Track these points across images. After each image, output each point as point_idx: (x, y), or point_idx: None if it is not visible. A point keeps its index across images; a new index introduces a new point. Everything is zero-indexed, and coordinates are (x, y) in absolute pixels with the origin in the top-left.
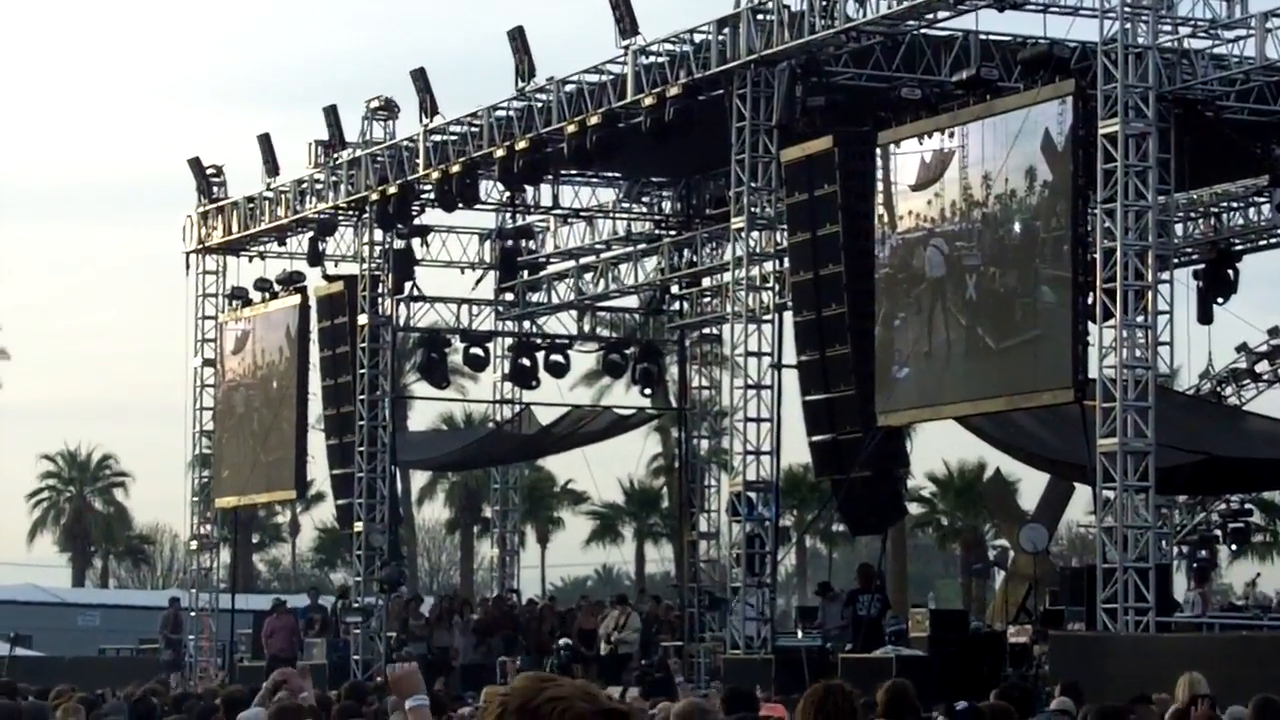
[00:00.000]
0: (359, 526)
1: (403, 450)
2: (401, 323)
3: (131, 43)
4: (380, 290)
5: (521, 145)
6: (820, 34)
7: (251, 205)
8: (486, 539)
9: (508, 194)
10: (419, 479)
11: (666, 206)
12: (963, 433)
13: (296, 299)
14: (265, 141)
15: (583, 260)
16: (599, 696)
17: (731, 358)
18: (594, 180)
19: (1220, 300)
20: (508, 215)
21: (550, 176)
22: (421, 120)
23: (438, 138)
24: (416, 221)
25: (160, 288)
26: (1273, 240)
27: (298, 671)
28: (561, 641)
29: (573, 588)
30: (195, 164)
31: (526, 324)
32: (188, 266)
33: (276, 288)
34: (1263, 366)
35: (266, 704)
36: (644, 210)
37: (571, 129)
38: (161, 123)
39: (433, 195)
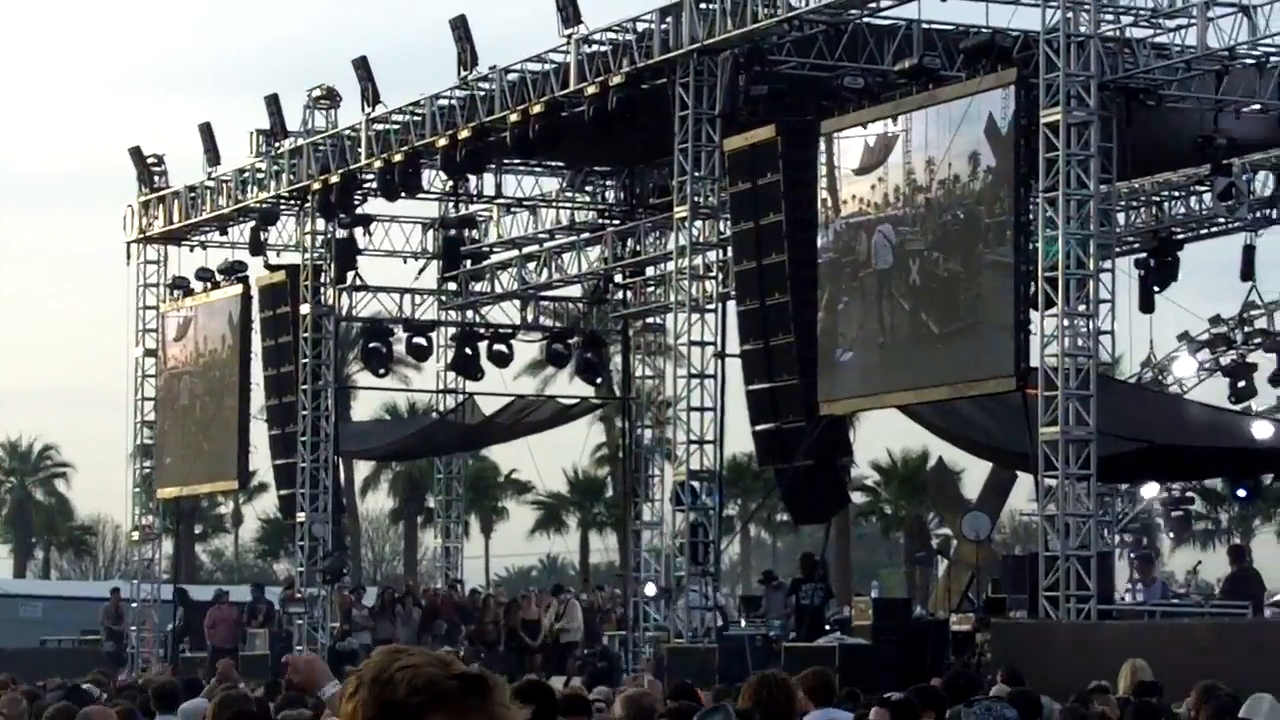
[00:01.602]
0: (302, 517)
1: (346, 440)
2: (344, 312)
3: (72, 32)
4: (322, 280)
5: (464, 134)
6: (763, 23)
7: (193, 194)
8: (430, 529)
9: (450, 183)
10: (362, 469)
11: (610, 196)
12: (906, 421)
13: (238, 288)
14: (206, 131)
15: (526, 249)
16: (453, 664)
17: (675, 347)
18: (537, 169)
19: (1159, 289)
20: (450, 204)
21: (493, 166)
22: (364, 109)
23: (380, 127)
24: (359, 211)
25: (101, 277)
26: (1214, 229)
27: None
28: None
29: (517, 578)
30: (136, 153)
31: (470, 313)
32: (129, 256)
33: (218, 277)
34: (1203, 355)
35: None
36: (587, 199)
37: (514, 118)
38: (102, 112)
39: (375, 184)
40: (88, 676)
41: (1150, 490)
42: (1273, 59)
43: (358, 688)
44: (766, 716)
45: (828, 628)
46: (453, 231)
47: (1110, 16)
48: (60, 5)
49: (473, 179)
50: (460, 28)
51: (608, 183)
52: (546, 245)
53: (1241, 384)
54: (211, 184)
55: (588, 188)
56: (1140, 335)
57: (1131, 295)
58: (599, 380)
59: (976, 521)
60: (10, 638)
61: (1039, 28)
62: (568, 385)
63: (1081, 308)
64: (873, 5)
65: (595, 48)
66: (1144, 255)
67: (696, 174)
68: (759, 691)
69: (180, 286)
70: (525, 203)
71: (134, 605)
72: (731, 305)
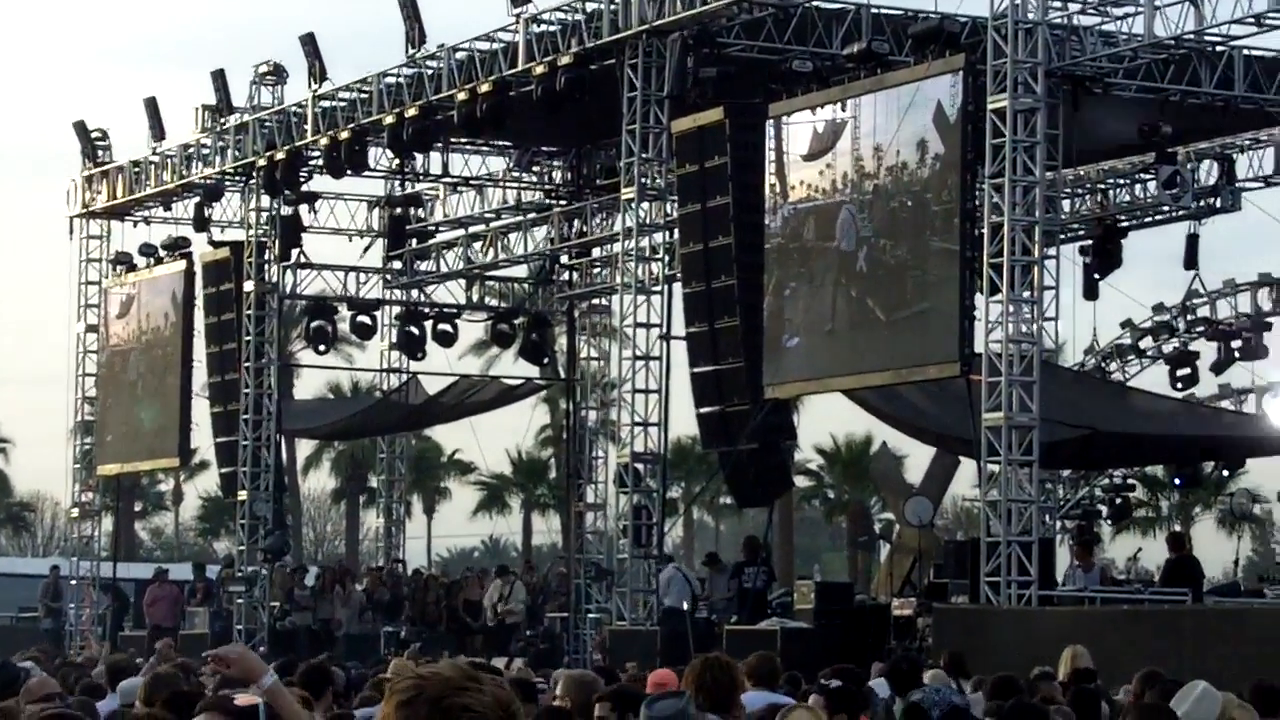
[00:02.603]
0: (243, 495)
1: (288, 418)
2: (288, 290)
3: (16, 4)
4: (267, 257)
5: (411, 112)
6: (712, 5)
7: (137, 170)
8: (372, 509)
9: (397, 161)
10: (304, 447)
11: (557, 176)
12: (850, 405)
13: (182, 265)
14: (151, 105)
15: (472, 229)
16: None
17: (620, 329)
18: (484, 149)
19: (1101, 276)
20: (396, 183)
21: (440, 144)
22: (310, 86)
23: (327, 104)
24: (304, 188)
25: (43, 252)
26: (1159, 217)
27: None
28: None
29: (459, 558)
30: (80, 127)
31: (415, 293)
32: (71, 231)
33: (162, 253)
34: (1147, 342)
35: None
36: (534, 180)
37: (462, 97)
38: (46, 86)
39: (321, 162)
40: (27, 653)
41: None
42: (1219, 48)
43: (412, 700)
44: (709, 699)
45: (770, 611)
46: (398, 210)
47: (1058, 4)
48: None
49: (419, 157)
50: (408, 6)
51: (555, 163)
52: (493, 225)
53: (1184, 371)
54: (156, 159)
55: (535, 168)
56: (1084, 322)
57: (1075, 282)
58: (544, 361)
59: (919, 506)
60: None
61: (987, 14)
62: (512, 366)
63: (1026, 294)
64: None
65: (544, 27)
66: (1088, 243)
67: (644, 155)
68: (702, 674)
69: (123, 262)
70: (472, 182)
71: (73, 583)
72: (678, 287)
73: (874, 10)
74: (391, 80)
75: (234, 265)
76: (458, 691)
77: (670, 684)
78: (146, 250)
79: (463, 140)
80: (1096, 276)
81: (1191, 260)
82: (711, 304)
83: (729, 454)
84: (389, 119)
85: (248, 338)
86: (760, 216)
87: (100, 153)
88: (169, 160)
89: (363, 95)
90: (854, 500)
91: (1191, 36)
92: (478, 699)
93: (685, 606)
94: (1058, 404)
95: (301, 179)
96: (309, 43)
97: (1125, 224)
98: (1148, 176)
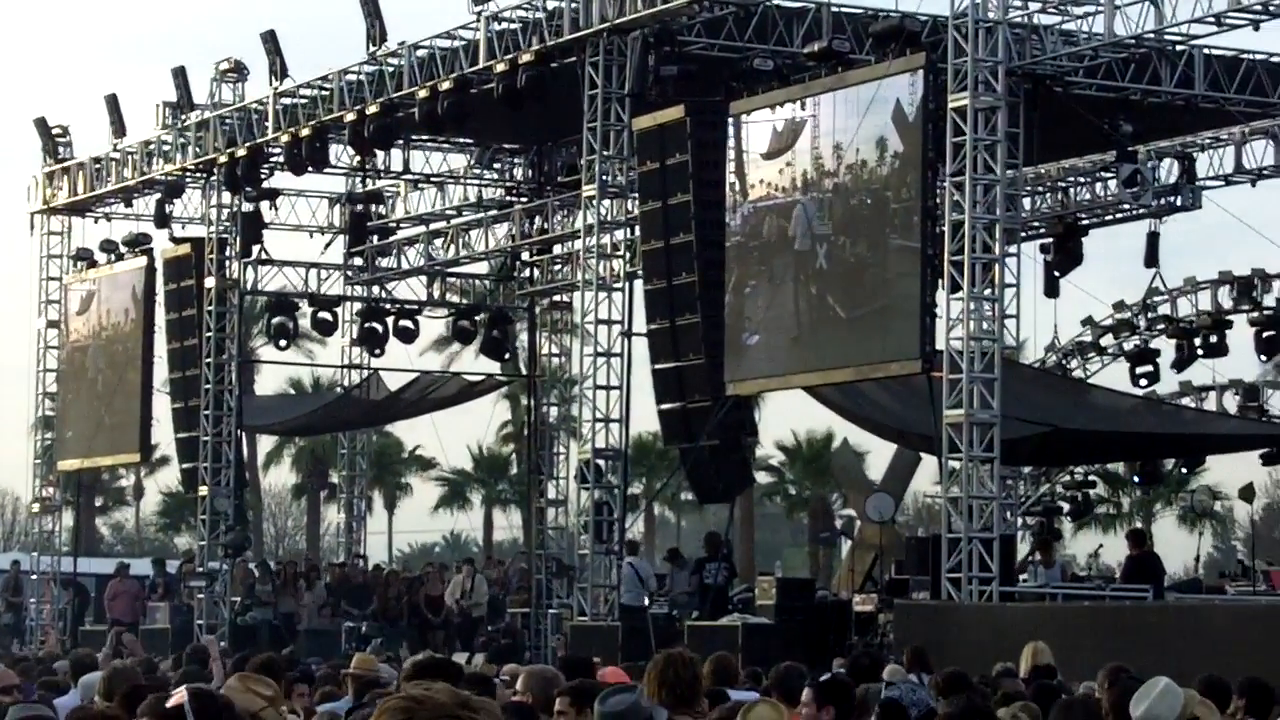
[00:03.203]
0: (204, 491)
1: (249, 414)
2: (249, 286)
3: None
4: (228, 253)
5: (372, 109)
6: (673, 3)
7: (98, 166)
8: (333, 504)
9: (358, 158)
10: (265, 443)
11: (518, 173)
12: (811, 402)
13: (143, 261)
14: (112, 102)
15: (433, 226)
16: None
17: (581, 325)
18: (445, 146)
19: (1062, 274)
20: (358, 179)
21: (401, 141)
22: (271, 83)
23: (288, 101)
24: (265, 184)
25: (3, 248)
26: (1119, 215)
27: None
28: None
29: (420, 554)
30: (41, 124)
31: (376, 289)
32: (32, 227)
33: (123, 249)
34: (1108, 340)
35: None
36: (495, 177)
37: (423, 94)
38: (7, 82)
39: (282, 158)
40: None
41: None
42: (1179, 47)
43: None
44: (672, 695)
45: (731, 607)
46: (359, 207)
47: (1019, 3)
48: None
49: (380, 154)
50: (370, 3)
51: (516, 160)
52: (454, 222)
53: (1145, 369)
54: (117, 156)
55: (496, 165)
56: (1045, 320)
57: (1036, 280)
58: (505, 357)
59: (880, 503)
60: None
61: (948, 13)
62: (473, 362)
63: (987, 292)
64: None
65: (505, 25)
66: (1049, 240)
67: (605, 153)
68: (665, 670)
69: (84, 258)
70: (433, 179)
71: (34, 578)
72: (639, 284)
73: (835, 9)
74: (353, 77)
75: (195, 261)
76: (450, 719)
77: (620, 680)
78: (107, 246)
79: (424, 137)
80: (1057, 274)
81: (1152, 258)
82: (672, 301)
83: (690, 450)
84: (350, 116)
85: (209, 334)
86: (721, 214)
87: (61, 149)
88: (130, 157)
89: (324, 92)
90: (815, 496)
91: (1152, 35)
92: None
93: (645, 602)
94: (1019, 401)
95: (263, 175)
96: (270, 40)
97: (1086, 222)
98: (1108, 175)
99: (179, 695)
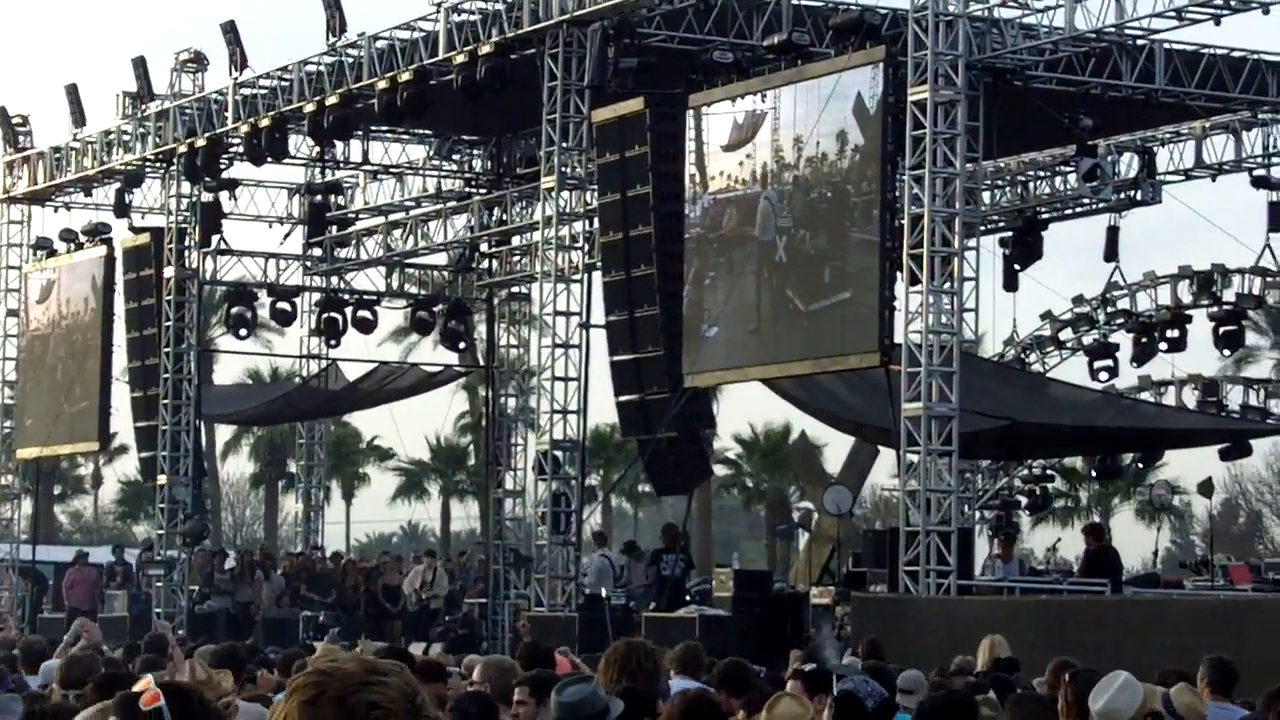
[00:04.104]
0: (162, 479)
1: (208, 404)
2: (208, 276)
3: None
4: (187, 243)
5: (332, 100)
6: None
7: (58, 155)
8: (291, 494)
9: (317, 149)
10: (224, 433)
11: (477, 165)
12: (769, 395)
13: (102, 250)
14: (73, 92)
15: (392, 217)
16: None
17: (540, 317)
18: (404, 137)
19: (1022, 268)
20: (317, 170)
21: (360, 132)
22: (231, 73)
23: (247, 91)
24: (225, 175)
25: None
26: (1078, 209)
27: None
28: None
29: (377, 544)
30: (1, 113)
31: (334, 279)
32: None
33: (82, 239)
34: (1067, 334)
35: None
36: (454, 168)
37: (382, 85)
38: None
39: (241, 149)
40: None
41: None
42: (1140, 42)
43: (314, 698)
44: (632, 683)
45: (688, 598)
46: (319, 197)
47: None
48: None
49: (340, 145)
50: None
51: (475, 152)
52: (413, 213)
53: (1104, 363)
54: (77, 145)
55: (455, 156)
56: (1004, 313)
57: (995, 274)
58: (463, 348)
59: (838, 496)
60: None
61: (908, 6)
62: (432, 353)
63: (946, 285)
64: None
65: (464, 17)
66: (1009, 234)
67: (564, 145)
68: (626, 658)
69: (44, 247)
70: (392, 170)
71: None
72: (597, 276)
73: (794, 2)
74: (312, 68)
75: (154, 251)
76: (362, 687)
77: (564, 669)
78: (67, 236)
79: (383, 128)
80: (1017, 268)
81: (1112, 252)
82: (631, 293)
83: (648, 442)
84: (310, 107)
85: (168, 323)
86: (680, 206)
87: (21, 138)
88: (90, 146)
89: (283, 83)
90: (772, 489)
91: (1112, 30)
92: (384, 693)
93: (604, 594)
94: (977, 394)
95: (222, 166)
96: (230, 30)
97: (1045, 216)
98: (1068, 169)
99: (150, 691)
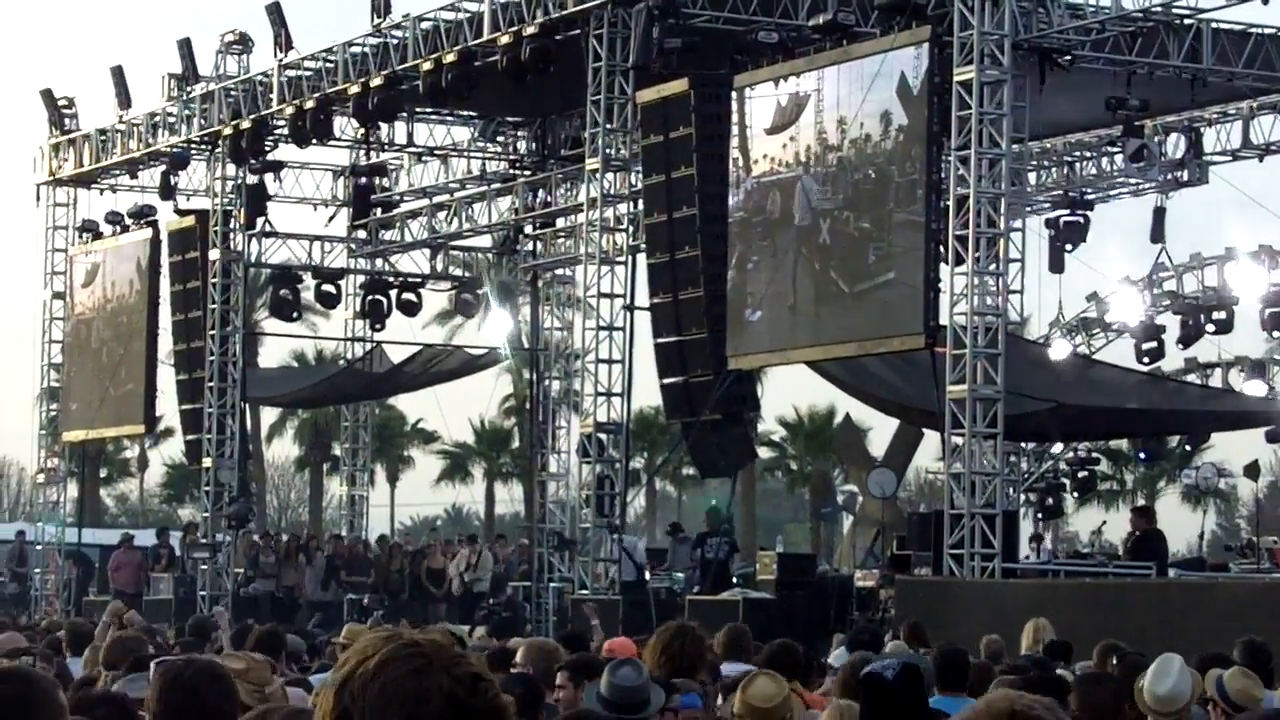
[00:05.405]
0: (208, 462)
1: (253, 386)
2: (253, 258)
3: None
4: (232, 225)
5: (376, 82)
6: None
7: (103, 138)
8: (336, 477)
9: (362, 131)
10: (269, 415)
11: (521, 146)
12: (813, 377)
13: (148, 233)
14: (118, 74)
15: (436, 199)
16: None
17: (584, 299)
18: (449, 119)
19: (1069, 249)
20: (361, 152)
21: (405, 114)
22: (276, 55)
23: (292, 73)
24: (269, 157)
25: (10, 219)
26: (1124, 190)
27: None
28: None
29: (421, 527)
30: (47, 95)
31: (379, 262)
32: (38, 198)
33: (128, 221)
34: (1112, 315)
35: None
36: (499, 150)
37: (427, 66)
38: (13, 53)
39: (286, 131)
40: None
41: (1057, 449)
42: (1187, 21)
43: (423, 668)
44: (677, 667)
45: (733, 581)
46: (363, 179)
47: None
48: None
49: (384, 127)
50: None
51: (519, 133)
52: (457, 195)
53: (1150, 345)
54: (122, 127)
55: (499, 138)
56: (1049, 295)
57: (1041, 255)
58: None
59: (882, 478)
60: None
61: None
62: (476, 335)
63: (991, 267)
64: None
65: None
66: (1054, 215)
67: (608, 126)
68: (671, 642)
69: (89, 230)
70: (436, 152)
71: (38, 548)
72: (641, 258)
73: None
74: (357, 50)
75: (199, 233)
76: (459, 659)
77: (627, 651)
78: (112, 218)
79: (427, 110)
80: (1068, 249)
81: (1158, 233)
82: (675, 275)
83: (692, 425)
84: (354, 88)
85: (213, 306)
86: (724, 188)
87: (67, 121)
88: (135, 129)
89: (328, 64)
90: (816, 472)
91: (1160, 9)
92: (480, 666)
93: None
94: (1022, 377)
95: (267, 148)
96: (275, 12)
97: (1092, 196)
98: (1115, 149)
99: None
